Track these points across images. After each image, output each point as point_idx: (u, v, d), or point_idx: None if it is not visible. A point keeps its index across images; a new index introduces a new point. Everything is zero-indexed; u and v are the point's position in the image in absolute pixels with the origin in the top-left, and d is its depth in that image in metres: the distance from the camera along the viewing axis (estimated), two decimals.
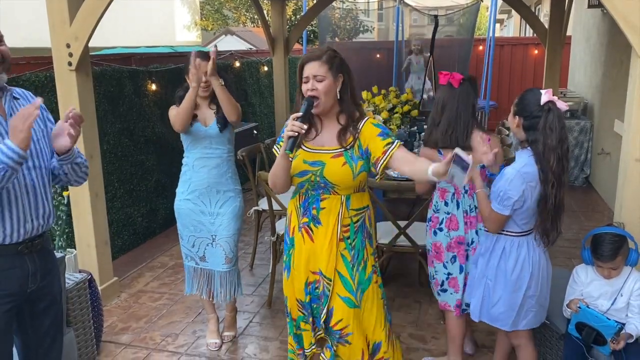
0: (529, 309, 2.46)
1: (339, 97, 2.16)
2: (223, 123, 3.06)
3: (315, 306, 2.27)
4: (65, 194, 3.08)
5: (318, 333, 2.29)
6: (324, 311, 2.23)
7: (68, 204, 3.26)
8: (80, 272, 3.07)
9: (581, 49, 7.79)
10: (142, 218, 5.06)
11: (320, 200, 2.18)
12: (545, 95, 2.29)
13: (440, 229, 2.79)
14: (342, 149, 2.14)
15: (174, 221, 5.50)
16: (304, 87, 2.12)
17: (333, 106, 2.17)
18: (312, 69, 2.10)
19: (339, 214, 2.17)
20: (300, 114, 2.04)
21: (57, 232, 3.00)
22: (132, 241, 4.95)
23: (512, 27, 22.67)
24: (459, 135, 2.67)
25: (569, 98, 6.89)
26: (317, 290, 2.24)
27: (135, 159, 4.97)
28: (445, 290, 2.84)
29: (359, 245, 2.23)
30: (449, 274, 2.81)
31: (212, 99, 3.09)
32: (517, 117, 2.38)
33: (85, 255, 3.69)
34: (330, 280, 2.19)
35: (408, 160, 2.10)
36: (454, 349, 2.88)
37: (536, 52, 9.95)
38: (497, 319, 2.49)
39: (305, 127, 2.02)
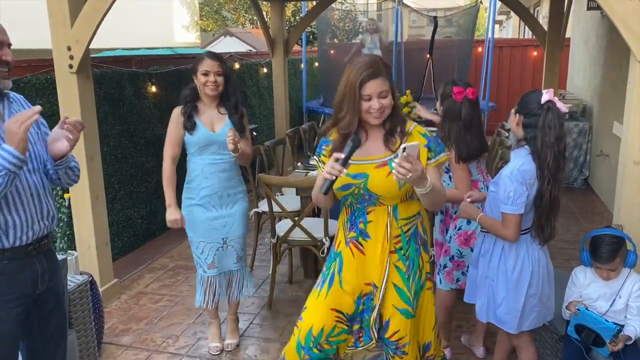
0: (531, 308, 2.47)
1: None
2: (241, 128, 3.02)
3: (367, 317, 2.18)
4: (66, 196, 3.09)
5: (366, 344, 2.20)
6: (377, 321, 2.15)
7: (69, 206, 3.27)
8: (81, 274, 3.08)
9: (580, 51, 7.81)
10: (142, 220, 5.07)
11: (367, 214, 2.11)
12: (547, 95, 2.32)
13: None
14: (388, 157, 2.03)
15: None
16: (367, 105, 1.98)
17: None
18: (377, 86, 1.96)
19: (387, 226, 2.10)
20: (342, 155, 1.88)
21: (59, 234, 3.01)
22: (132, 243, 4.96)
23: (511, 28, 22.70)
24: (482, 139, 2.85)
25: (568, 100, 6.91)
26: (372, 302, 2.15)
27: (135, 161, 4.98)
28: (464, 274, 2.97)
29: (413, 254, 2.16)
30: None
31: (221, 101, 3.04)
32: (517, 115, 2.41)
33: (85, 257, 3.71)
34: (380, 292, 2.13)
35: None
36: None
37: (535, 53, 9.98)
38: (503, 321, 2.49)
39: (346, 171, 1.90)
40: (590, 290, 2.48)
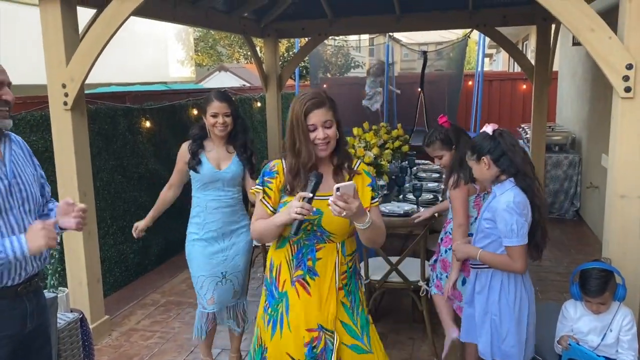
0: (529, 337, 2.49)
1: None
2: (251, 167, 3.14)
3: None
4: None
5: None
6: None
7: (61, 242, 3.26)
8: (71, 311, 3.06)
9: (567, 84, 7.97)
10: (134, 255, 5.05)
11: (316, 251, 2.08)
12: (489, 127, 2.48)
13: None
14: None
15: (166, 257, 5.58)
16: (312, 135, 2.01)
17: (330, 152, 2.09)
18: (321, 115, 2.01)
19: (335, 263, 2.09)
20: (308, 194, 1.90)
21: (50, 271, 2.99)
22: (124, 278, 4.93)
23: (501, 61, 23.14)
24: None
25: (558, 132, 7.01)
26: (315, 350, 2.07)
27: (128, 196, 4.99)
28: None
29: (354, 288, 2.18)
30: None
31: (229, 139, 3.12)
32: (483, 159, 2.43)
33: (77, 294, 3.68)
34: (333, 333, 2.09)
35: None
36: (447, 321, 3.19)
37: (524, 87, 10.14)
38: (509, 355, 2.47)
39: (314, 209, 1.92)
40: (581, 325, 2.48)
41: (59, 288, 3.09)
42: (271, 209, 2.10)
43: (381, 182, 4.08)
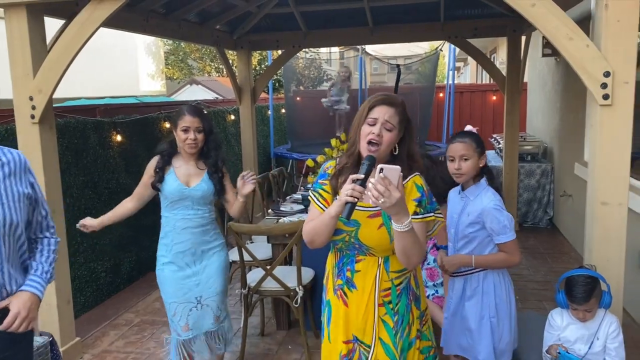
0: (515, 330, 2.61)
1: (395, 152, 1.99)
2: (221, 189, 2.97)
3: None
4: None
5: None
6: None
7: None
8: (41, 334, 2.89)
9: (537, 95, 8.11)
10: (105, 273, 4.88)
11: (355, 262, 2.01)
12: (474, 129, 2.61)
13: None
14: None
15: (139, 275, 5.41)
16: (368, 129, 1.92)
17: (384, 159, 1.96)
18: (386, 113, 1.92)
19: (376, 278, 1.99)
20: (361, 175, 1.79)
21: None
22: (95, 298, 4.74)
23: (469, 74, 23.55)
24: (436, 186, 2.92)
25: (529, 142, 7.11)
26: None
27: (98, 212, 4.76)
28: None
29: (403, 309, 2.04)
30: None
31: (200, 155, 2.97)
32: (482, 156, 2.55)
33: (46, 316, 3.51)
34: (369, 347, 2.01)
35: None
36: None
37: (494, 98, 10.33)
38: (504, 352, 2.56)
39: (366, 192, 1.77)
40: (568, 333, 2.46)
41: None
42: (326, 210, 2.00)
43: None
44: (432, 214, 1.99)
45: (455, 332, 2.67)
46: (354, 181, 1.79)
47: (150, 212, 5.35)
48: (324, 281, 2.16)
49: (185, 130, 2.87)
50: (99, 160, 4.86)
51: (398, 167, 1.74)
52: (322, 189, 2.06)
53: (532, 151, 7.01)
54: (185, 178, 2.93)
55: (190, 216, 2.93)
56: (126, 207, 3.12)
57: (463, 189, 2.59)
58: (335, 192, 2.01)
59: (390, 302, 2.02)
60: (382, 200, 1.70)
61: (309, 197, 2.12)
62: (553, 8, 2.64)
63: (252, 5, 5.68)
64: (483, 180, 2.51)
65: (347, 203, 1.78)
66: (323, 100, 9.08)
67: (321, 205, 2.04)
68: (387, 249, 1.97)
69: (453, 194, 2.71)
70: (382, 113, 1.93)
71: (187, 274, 2.95)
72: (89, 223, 3.08)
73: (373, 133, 1.91)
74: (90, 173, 4.73)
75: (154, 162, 2.99)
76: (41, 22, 3.38)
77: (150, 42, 14.89)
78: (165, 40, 16.13)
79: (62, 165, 3.91)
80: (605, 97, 2.60)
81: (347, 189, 1.78)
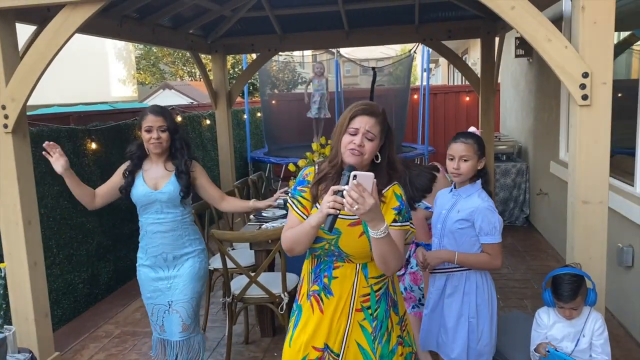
0: (495, 333, 2.61)
1: (377, 161, 1.99)
2: (187, 191, 2.91)
3: None
4: (1, 265, 2.84)
5: None
6: None
7: (4, 277, 3.00)
8: (19, 351, 2.81)
9: (510, 96, 8.24)
10: (83, 284, 4.76)
11: (333, 269, 2.01)
12: (478, 131, 2.62)
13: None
14: None
15: (117, 285, 5.30)
16: (349, 138, 1.92)
17: (365, 168, 1.96)
18: (368, 123, 1.92)
19: (354, 284, 2.00)
20: (342, 187, 1.76)
21: None
22: (73, 310, 4.63)
23: (440, 75, 23.83)
24: (407, 191, 2.95)
25: (504, 142, 7.22)
26: None
27: (75, 222, 4.71)
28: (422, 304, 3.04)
29: (382, 315, 2.04)
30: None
31: (168, 156, 2.93)
32: (482, 158, 2.57)
33: (23, 331, 3.39)
34: (338, 356, 2.01)
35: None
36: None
37: (467, 98, 10.45)
38: (482, 354, 2.55)
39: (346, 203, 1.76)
40: (554, 331, 2.49)
41: (4, 326, 2.83)
42: (306, 217, 1.99)
43: None
44: (408, 224, 2.02)
45: (433, 329, 2.68)
46: (335, 192, 1.78)
47: (128, 220, 5.28)
48: (298, 286, 2.16)
49: (149, 130, 2.85)
50: (74, 168, 4.69)
51: (371, 174, 1.75)
52: (302, 196, 2.04)
53: (507, 151, 7.12)
54: (153, 181, 2.91)
55: (161, 220, 2.91)
56: (90, 193, 3.02)
57: (456, 187, 2.60)
58: (315, 200, 2.01)
59: (369, 308, 2.02)
60: (356, 207, 1.70)
61: (287, 204, 2.09)
62: (532, 10, 2.67)
63: (227, 9, 5.63)
64: (479, 182, 2.53)
65: (328, 215, 1.78)
66: (308, 114, 9.06)
67: (300, 213, 2.02)
68: (366, 256, 1.98)
69: (442, 191, 2.72)
70: (363, 123, 1.93)
71: (160, 276, 2.96)
72: (59, 162, 2.94)
73: (354, 143, 1.92)
74: (64, 182, 4.60)
75: (124, 166, 2.97)
76: (13, 28, 3.28)
77: (121, 47, 14.66)
78: (136, 44, 15.90)
79: (36, 175, 3.79)
80: (584, 97, 2.64)
81: (329, 201, 1.77)
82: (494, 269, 2.52)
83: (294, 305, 2.15)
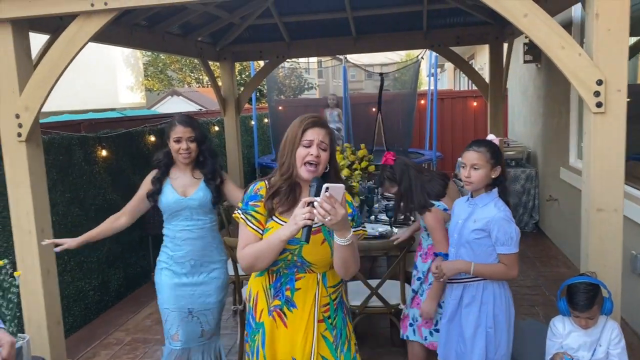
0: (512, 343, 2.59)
1: (327, 170, 2.04)
2: (217, 196, 2.94)
3: None
4: (16, 274, 2.86)
5: None
6: None
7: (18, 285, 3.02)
8: (33, 359, 2.82)
9: (519, 101, 8.22)
10: (94, 291, 4.77)
11: (295, 280, 2.01)
12: (497, 140, 2.58)
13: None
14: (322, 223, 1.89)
15: (127, 292, 5.30)
16: (305, 151, 1.97)
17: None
18: (319, 134, 1.98)
19: (315, 294, 2.02)
20: (314, 198, 1.80)
21: (8, 317, 2.75)
22: (84, 317, 4.64)
23: (446, 80, 23.80)
24: (419, 196, 2.93)
25: (513, 147, 7.20)
26: None
27: (85, 229, 4.63)
28: (437, 331, 2.88)
29: (340, 323, 2.09)
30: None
31: (196, 165, 2.96)
32: (496, 167, 2.53)
33: (36, 338, 3.39)
34: None
35: None
36: None
37: (475, 104, 10.43)
38: None
39: (303, 232, 1.81)
40: (570, 341, 2.47)
41: (18, 335, 2.85)
42: (261, 232, 2.01)
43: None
44: (360, 228, 2.08)
45: (451, 339, 2.67)
46: (307, 204, 1.80)
47: (137, 227, 5.27)
48: (249, 304, 2.12)
49: (178, 141, 2.87)
50: (85, 176, 4.77)
51: (342, 185, 1.81)
52: (255, 211, 2.03)
53: (516, 156, 7.10)
54: (182, 189, 2.93)
55: (191, 227, 2.92)
56: (116, 225, 3.08)
57: (472, 195, 2.59)
58: (271, 214, 2.02)
59: (329, 317, 2.05)
60: (329, 218, 1.75)
61: (238, 219, 2.06)
62: (545, 18, 2.67)
63: (235, 16, 5.65)
64: (495, 190, 2.50)
65: (305, 227, 1.80)
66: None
67: (256, 228, 2.02)
68: (327, 264, 2.02)
69: (459, 200, 2.71)
70: (316, 134, 1.98)
71: (183, 281, 2.94)
72: (66, 245, 3.02)
73: (311, 154, 1.96)
74: (76, 189, 4.64)
75: (152, 174, 2.99)
76: (26, 38, 3.31)
77: (129, 54, 14.74)
78: (144, 51, 16.00)
79: (48, 183, 3.81)
80: (599, 105, 2.63)
81: (304, 212, 1.79)
82: (511, 279, 2.51)
83: (252, 324, 2.10)
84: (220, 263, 3.02)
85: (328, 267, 2.03)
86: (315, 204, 1.76)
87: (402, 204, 3.04)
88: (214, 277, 2.98)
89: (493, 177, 2.52)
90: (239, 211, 2.06)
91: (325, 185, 1.76)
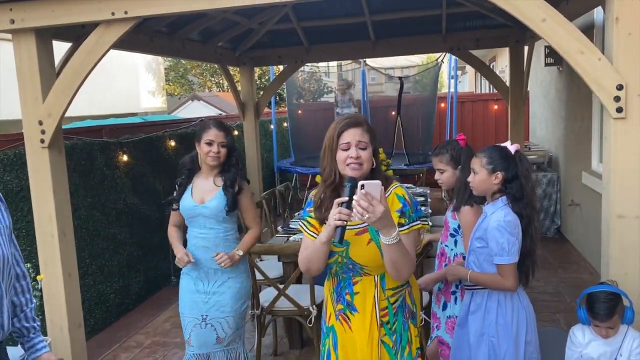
0: (529, 356, 2.45)
1: (374, 166, 2.00)
2: (232, 206, 2.91)
3: None
4: (39, 278, 2.92)
5: None
6: None
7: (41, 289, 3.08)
8: None
9: (540, 104, 8.11)
10: (114, 294, 4.84)
11: (353, 284, 2.02)
12: (513, 147, 2.49)
13: None
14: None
15: (147, 295, 5.37)
16: (344, 154, 1.94)
17: (364, 176, 1.97)
18: (356, 135, 1.95)
19: (374, 297, 1.99)
20: (345, 198, 1.81)
21: None
22: (105, 320, 4.71)
23: (467, 82, 23.62)
24: (468, 191, 2.80)
25: (534, 151, 7.11)
26: None
27: (107, 233, 4.81)
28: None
29: (400, 328, 2.05)
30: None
31: (221, 171, 2.96)
32: (496, 173, 2.44)
33: (57, 341, 3.46)
34: None
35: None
36: None
37: (496, 107, 10.33)
38: None
39: (352, 214, 1.79)
40: (590, 350, 2.43)
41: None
42: (317, 236, 2.00)
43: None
44: (418, 222, 2.03)
45: (461, 345, 2.64)
46: (339, 205, 1.81)
47: (158, 230, 5.35)
48: (323, 309, 2.16)
49: (210, 143, 2.89)
50: (106, 181, 4.85)
51: (378, 182, 1.78)
52: (310, 217, 2.07)
53: (537, 160, 7.00)
54: (200, 195, 2.94)
55: (204, 235, 2.93)
56: (175, 231, 3.13)
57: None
58: (322, 223, 2.02)
59: (388, 322, 2.03)
60: (367, 215, 1.73)
61: (299, 226, 2.11)
62: (563, 22, 2.63)
63: (254, 22, 5.69)
64: (502, 199, 2.44)
65: (337, 227, 1.80)
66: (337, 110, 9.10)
67: (311, 233, 2.05)
68: (380, 265, 1.96)
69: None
70: (352, 136, 1.96)
71: (199, 289, 2.97)
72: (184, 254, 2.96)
73: (351, 157, 1.94)
74: (97, 194, 4.72)
75: (178, 180, 3.05)
76: (50, 46, 3.38)
77: (150, 59, 14.94)
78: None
79: (70, 188, 3.89)
80: (619, 110, 2.58)
81: (334, 214, 1.80)
82: (506, 290, 2.40)
83: (324, 328, 2.15)
84: (236, 272, 2.99)
85: (385, 269, 1.96)
86: (353, 202, 1.75)
87: (459, 193, 2.84)
88: (229, 287, 2.96)
89: (494, 183, 2.47)
90: (300, 218, 2.12)
91: (360, 183, 1.75)
